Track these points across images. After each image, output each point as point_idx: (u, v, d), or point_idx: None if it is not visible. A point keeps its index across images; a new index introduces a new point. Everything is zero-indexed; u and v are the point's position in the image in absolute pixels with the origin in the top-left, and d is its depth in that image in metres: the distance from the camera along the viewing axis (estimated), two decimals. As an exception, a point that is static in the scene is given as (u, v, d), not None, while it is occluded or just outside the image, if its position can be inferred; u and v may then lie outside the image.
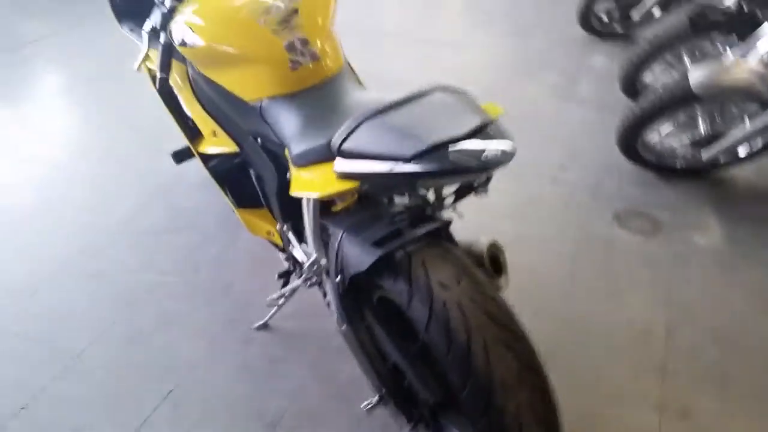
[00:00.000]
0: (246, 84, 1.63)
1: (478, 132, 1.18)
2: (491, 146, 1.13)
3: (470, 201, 1.52)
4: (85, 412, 1.85)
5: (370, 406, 1.64)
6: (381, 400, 1.63)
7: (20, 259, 2.40)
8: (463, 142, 1.16)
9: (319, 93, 1.58)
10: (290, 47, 1.59)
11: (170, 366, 1.98)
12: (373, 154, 1.23)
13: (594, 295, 2.27)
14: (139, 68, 1.95)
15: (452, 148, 1.15)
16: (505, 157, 1.15)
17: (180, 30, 1.70)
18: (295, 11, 1.64)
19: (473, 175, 1.22)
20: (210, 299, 2.22)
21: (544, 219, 2.66)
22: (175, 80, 1.98)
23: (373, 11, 4.93)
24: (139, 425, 1.82)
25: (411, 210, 1.47)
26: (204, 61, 1.71)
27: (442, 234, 1.44)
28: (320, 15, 1.68)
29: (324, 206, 1.58)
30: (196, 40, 1.65)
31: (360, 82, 1.83)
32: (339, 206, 1.63)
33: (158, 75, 1.83)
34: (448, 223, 1.45)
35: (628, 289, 2.30)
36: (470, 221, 1.78)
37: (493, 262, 1.59)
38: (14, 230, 2.56)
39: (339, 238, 1.48)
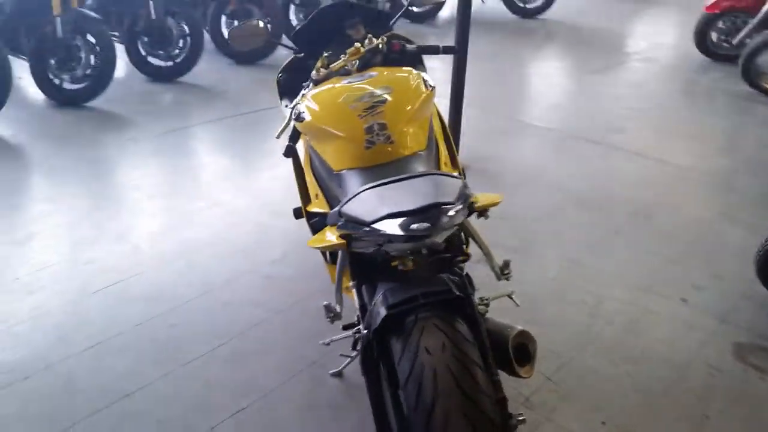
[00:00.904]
0: (334, 156, 1.93)
1: (425, 211, 1.33)
2: (413, 225, 1.28)
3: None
4: (173, 408, 2.21)
5: None
6: None
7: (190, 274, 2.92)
8: (398, 218, 1.33)
9: (384, 170, 1.82)
10: (369, 129, 1.86)
11: (248, 388, 2.29)
12: (355, 219, 1.44)
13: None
14: (278, 136, 2.35)
15: (386, 221, 1.33)
16: (431, 233, 1.29)
17: (300, 108, 2.07)
18: (383, 101, 1.92)
19: (404, 245, 1.38)
20: (302, 340, 2.50)
21: (661, 340, 2.59)
22: (300, 149, 2.35)
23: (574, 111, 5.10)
24: (209, 429, 2.12)
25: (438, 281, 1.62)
26: (311, 134, 2.05)
27: (460, 307, 1.57)
28: (406, 106, 1.94)
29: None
30: (306, 116, 2.01)
31: (444, 166, 2.05)
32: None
33: (287, 143, 2.22)
34: (463, 298, 1.58)
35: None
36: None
37: (519, 350, 1.68)
38: (190, 254, 3.10)
39: (379, 295, 1.68)
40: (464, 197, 1.41)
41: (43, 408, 2.20)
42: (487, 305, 1.88)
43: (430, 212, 1.34)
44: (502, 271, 1.66)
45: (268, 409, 2.21)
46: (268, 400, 2.25)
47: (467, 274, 1.78)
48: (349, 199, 1.51)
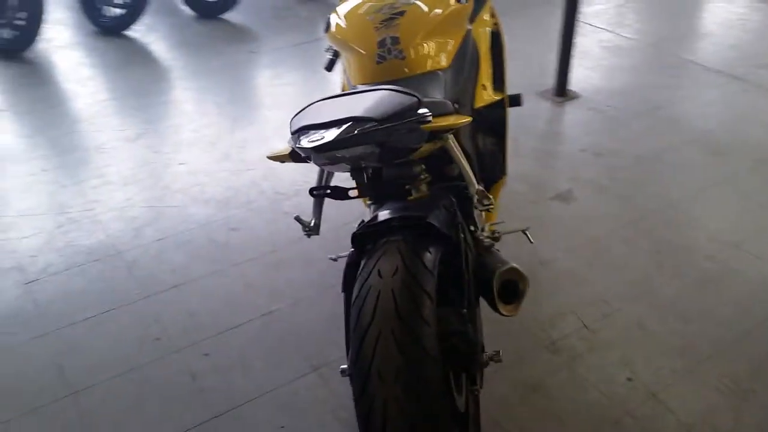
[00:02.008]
0: (351, 70, 1.88)
1: (338, 125, 1.24)
2: (314, 137, 1.20)
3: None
4: (209, 302, 2.37)
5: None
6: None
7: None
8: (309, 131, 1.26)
9: (401, 84, 1.74)
10: (381, 43, 1.78)
11: (282, 294, 2.38)
12: (293, 131, 1.39)
13: None
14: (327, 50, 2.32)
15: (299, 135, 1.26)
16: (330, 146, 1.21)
17: (329, 19, 2.03)
18: (401, 13, 1.82)
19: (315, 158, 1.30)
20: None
21: (729, 302, 2.32)
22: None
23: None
24: (235, 325, 2.26)
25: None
26: (337, 47, 2.00)
27: (441, 236, 1.50)
28: (426, 19, 1.83)
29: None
30: (332, 28, 1.97)
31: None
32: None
33: (328, 57, 2.20)
34: (434, 225, 1.50)
35: None
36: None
37: (506, 286, 1.59)
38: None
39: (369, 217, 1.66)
40: (403, 115, 1.31)
41: (103, 288, 2.46)
42: (496, 239, 1.79)
43: (342, 126, 1.27)
44: (481, 202, 1.55)
45: (294, 315, 2.29)
46: (297, 307, 2.33)
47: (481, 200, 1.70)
48: (302, 110, 1.47)
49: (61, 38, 4.96)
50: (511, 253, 2.47)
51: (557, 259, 2.51)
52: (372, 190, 1.43)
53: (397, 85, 1.70)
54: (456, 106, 1.83)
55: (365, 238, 1.52)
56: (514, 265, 1.63)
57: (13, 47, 4.60)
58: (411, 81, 1.76)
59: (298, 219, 1.63)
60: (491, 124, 2.09)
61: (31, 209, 2.94)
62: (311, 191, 1.40)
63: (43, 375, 2.11)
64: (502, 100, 2.12)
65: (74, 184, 3.11)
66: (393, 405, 1.28)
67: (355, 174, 1.41)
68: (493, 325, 2.18)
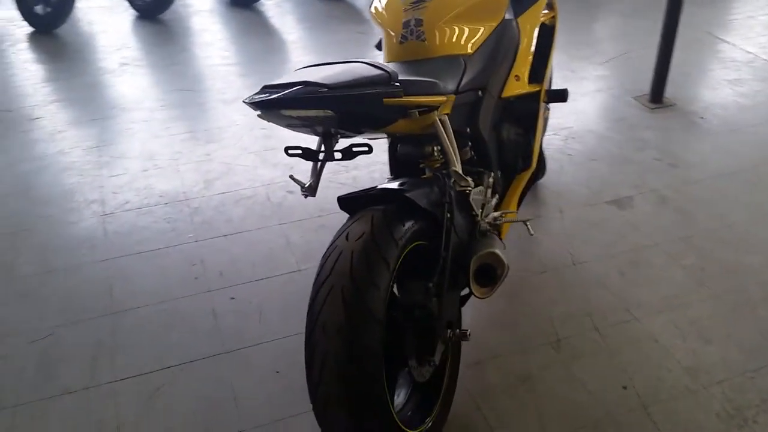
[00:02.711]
0: (384, 48, 1.98)
1: (295, 86, 1.32)
2: (262, 95, 1.28)
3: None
4: (250, 254, 2.56)
5: None
6: None
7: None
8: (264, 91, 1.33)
9: (410, 67, 1.82)
10: (406, 24, 1.86)
11: (315, 257, 2.53)
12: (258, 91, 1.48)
13: None
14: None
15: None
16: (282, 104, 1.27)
17: (372, 2, 2.12)
18: (432, -4, 1.89)
19: (269, 117, 1.36)
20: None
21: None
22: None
23: None
24: (263, 277, 2.44)
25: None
26: (375, 25, 2.10)
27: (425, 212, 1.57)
28: (451, 6, 1.88)
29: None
30: (371, 9, 2.07)
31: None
32: None
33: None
34: (411, 200, 1.57)
35: None
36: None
37: (484, 270, 1.65)
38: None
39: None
40: (364, 87, 1.37)
41: (164, 228, 2.73)
42: (495, 226, 1.83)
43: (292, 88, 1.35)
44: (458, 183, 1.59)
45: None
46: (325, 270, 2.47)
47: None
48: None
49: (198, 5, 5.41)
50: (546, 249, 2.50)
51: (591, 261, 2.47)
52: (343, 155, 1.52)
53: (414, 66, 1.79)
54: (480, 93, 1.88)
55: (350, 203, 1.62)
56: (495, 250, 1.67)
57: (152, 10, 5.11)
58: (427, 63, 1.82)
59: (292, 178, 1.75)
60: (520, 114, 2.10)
61: (126, 153, 3.29)
62: (286, 149, 1.52)
63: (94, 293, 2.39)
64: (536, 93, 2.13)
65: (167, 136, 3.43)
66: (330, 357, 1.38)
67: (325, 139, 1.50)
68: (501, 315, 2.22)
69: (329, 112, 1.31)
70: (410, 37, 1.86)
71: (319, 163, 1.73)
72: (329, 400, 1.40)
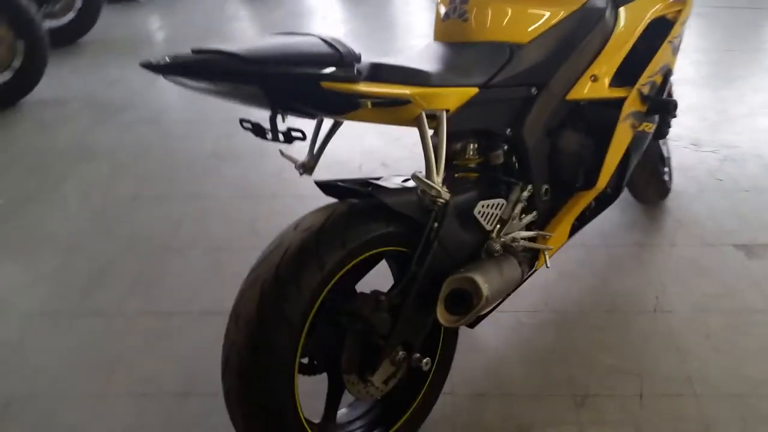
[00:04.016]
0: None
1: (208, 54, 1.16)
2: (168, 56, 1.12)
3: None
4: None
5: None
6: None
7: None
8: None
9: (440, 50, 1.58)
10: (452, 3, 1.62)
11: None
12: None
13: None
14: None
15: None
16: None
17: None
18: (490, -30, 1.61)
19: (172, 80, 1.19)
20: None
21: None
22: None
23: None
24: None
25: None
26: None
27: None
28: None
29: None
30: None
31: None
32: None
33: None
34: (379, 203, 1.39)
35: None
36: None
37: (458, 297, 1.44)
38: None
39: None
40: (298, 65, 1.18)
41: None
42: (507, 248, 1.58)
43: (201, 56, 1.18)
44: (425, 193, 1.34)
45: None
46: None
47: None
48: None
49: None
50: (629, 286, 2.10)
51: (677, 312, 2.04)
52: (284, 138, 1.35)
53: (445, 50, 1.55)
54: (533, 90, 1.61)
55: (327, 188, 1.48)
56: (475, 275, 1.43)
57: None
58: (461, 48, 1.58)
59: (282, 153, 1.62)
60: (590, 122, 1.76)
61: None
62: (240, 121, 1.39)
63: (161, 228, 2.51)
64: (619, 100, 1.76)
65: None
66: (235, 349, 1.29)
67: (271, 116, 1.34)
68: (535, 348, 1.92)
69: (256, 89, 1.16)
70: (452, 15, 1.62)
71: (313, 140, 1.59)
72: (229, 393, 1.32)
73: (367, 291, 1.47)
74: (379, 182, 1.47)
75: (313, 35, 1.24)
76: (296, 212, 1.41)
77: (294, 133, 1.28)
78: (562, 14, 1.62)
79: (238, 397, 1.31)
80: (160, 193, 2.73)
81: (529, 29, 1.59)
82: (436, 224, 1.45)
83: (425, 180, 1.31)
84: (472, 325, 1.70)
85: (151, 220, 2.56)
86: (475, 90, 1.46)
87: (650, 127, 1.94)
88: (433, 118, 1.38)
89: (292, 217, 1.39)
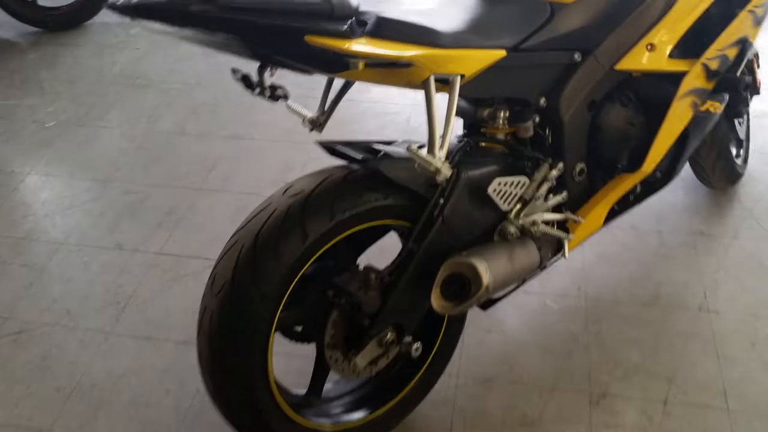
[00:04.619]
0: None
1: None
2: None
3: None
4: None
5: None
6: None
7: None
8: None
9: (476, 2, 1.40)
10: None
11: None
12: None
13: None
14: None
15: None
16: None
17: None
18: None
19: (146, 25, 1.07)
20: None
21: None
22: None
23: None
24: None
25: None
26: None
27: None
28: None
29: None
30: None
31: None
32: None
33: None
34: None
35: None
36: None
37: (453, 282, 1.32)
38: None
39: None
40: (284, 17, 1.03)
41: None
42: (524, 231, 1.43)
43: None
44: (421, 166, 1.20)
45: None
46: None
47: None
48: None
49: None
50: (675, 279, 1.91)
51: (725, 313, 1.84)
52: (272, 95, 1.23)
53: (481, 3, 1.38)
54: (577, 56, 1.42)
55: (332, 150, 1.37)
56: (476, 262, 1.30)
57: None
58: (498, 2, 1.39)
59: (290, 107, 1.49)
60: (641, 97, 1.56)
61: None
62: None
63: (196, 168, 2.48)
64: (678, 74, 1.54)
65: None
66: (207, 313, 1.23)
67: (259, 68, 1.22)
68: (560, 336, 1.79)
69: (232, 38, 1.05)
70: None
71: (325, 92, 1.47)
72: (201, 356, 1.27)
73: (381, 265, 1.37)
74: (387, 148, 1.34)
75: None
76: (329, 163, 1.31)
77: (277, 91, 1.16)
78: None
79: (207, 363, 1.26)
80: (202, 130, 2.68)
81: None
82: (441, 200, 1.32)
83: (420, 154, 1.17)
84: (484, 307, 1.58)
85: (188, 157, 2.52)
86: (502, 53, 1.29)
87: (717, 107, 1.70)
88: (446, 83, 1.23)
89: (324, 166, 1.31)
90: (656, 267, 2.00)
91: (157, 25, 1.04)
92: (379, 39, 1.13)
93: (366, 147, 1.36)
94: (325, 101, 1.47)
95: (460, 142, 1.45)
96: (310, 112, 1.49)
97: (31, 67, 3.21)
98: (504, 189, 1.40)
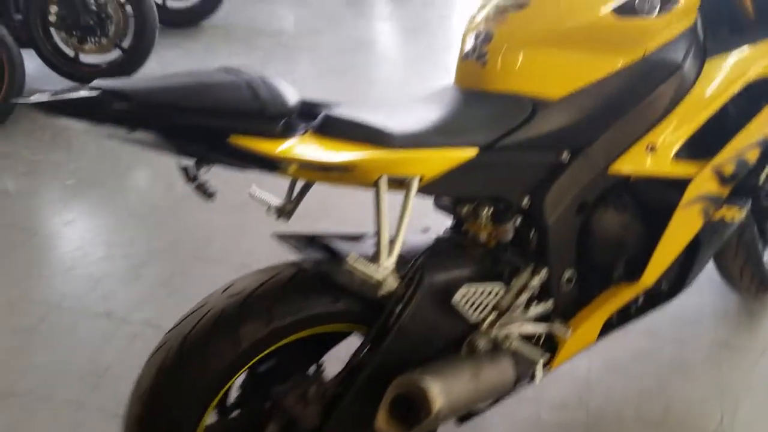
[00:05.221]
0: None
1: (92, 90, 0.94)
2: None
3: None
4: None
5: None
6: None
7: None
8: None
9: (453, 96, 1.31)
10: (475, 36, 1.34)
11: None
12: None
13: None
14: None
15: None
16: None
17: None
18: (523, 5, 1.30)
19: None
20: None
21: None
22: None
23: None
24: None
25: None
26: None
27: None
28: (549, 21, 1.28)
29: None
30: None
31: None
32: None
33: None
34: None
35: None
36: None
37: (402, 403, 1.19)
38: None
39: None
40: (194, 114, 0.94)
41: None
42: (497, 344, 1.30)
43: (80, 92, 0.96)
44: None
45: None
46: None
47: None
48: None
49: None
50: (692, 397, 1.70)
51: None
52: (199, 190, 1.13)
53: (458, 98, 1.29)
54: (564, 155, 1.31)
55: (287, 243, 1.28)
56: (428, 383, 1.16)
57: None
58: (475, 97, 1.30)
59: (252, 195, 1.40)
60: (640, 202, 1.41)
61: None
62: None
63: (197, 238, 2.43)
64: (683, 182, 1.39)
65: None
66: (132, 416, 1.14)
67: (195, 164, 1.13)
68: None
69: (153, 135, 0.98)
70: (471, 55, 1.34)
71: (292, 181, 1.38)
72: None
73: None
74: (343, 245, 1.24)
75: (246, 75, 1.03)
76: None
77: (208, 190, 1.08)
78: (613, 67, 1.29)
79: None
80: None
81: (564, 83, 1.28)
82: (399, 308, 1.20)
83: (357, 266, 1.06)
84: (460, 420, 1.43)
85: (192, 224, 2.48)
86: (472, 152, 1.19)
87: (736, 214, 1.53)
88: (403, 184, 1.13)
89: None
90: (671, 381, 1.80)
91: (74, 122, 0.97)
92: (323, 137, 1.04)
93: (324, 243, 1.26)
94: (293, 186, 1.38)
95: (435, 240, 1.35)
96: (277, 199, 1.40)
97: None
98: (474, 297, 1.27)
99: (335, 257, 1.21)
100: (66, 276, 2.26)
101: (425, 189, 1.20)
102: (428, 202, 1.39)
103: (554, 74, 1.28)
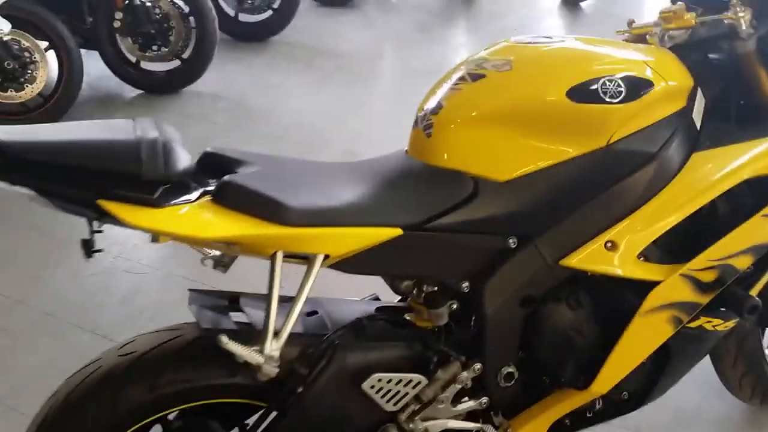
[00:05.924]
0: None
1: None
2: None
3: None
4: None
5: None
6: None
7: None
8: None
9: (391, 166, 1.23)
10: (430, 103, 1.25)
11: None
12: None
13: None
14: None
15: None
16: None
17: None
18: (479, 77, 1.20)
19: None
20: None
21: None
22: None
23: None
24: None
25: None
26: None
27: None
28: (501, 96, 1.19)
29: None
30: None
31: None
32: None
33: None
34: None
35: None
36: None
37: None
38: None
39: None
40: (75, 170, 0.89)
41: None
42: None
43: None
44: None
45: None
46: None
47: None
48: None
49: None
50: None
51: None
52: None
53: (396, 169, 1.21)
54: (512, 241, 1.20)
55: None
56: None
57: None
58: (415, 170, 1.22)
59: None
60: (594, 302, 1.27)
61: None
62: None
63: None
64: (648, 285, 1.25)
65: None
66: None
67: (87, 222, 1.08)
68: None
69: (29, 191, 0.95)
70: (419, 124, 1.25)
71: None
72: None
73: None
74: (255, 312, 1.18)
75: (141, 132, 0.99)
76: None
77: (93, 248, 1.04)
78: (568, 153, 1.17)
79: None
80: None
81: (513, 165, 1.17)
82: (300, 389, 1.13)
83: (232, 347, 1.00)
84: None
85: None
86: (395, 232, 1.11)
87: (720, 325, 1.35)
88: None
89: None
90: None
91: None
92: (216, 206, 1.00)
93: (241, 308, 1.20)
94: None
95: (366, 314, 1.27)
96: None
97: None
98: (388, 386, 1.18)
99: (246, 325, 1.15)
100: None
101: (340, 265, 1.13)
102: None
103: (502, 155, 1.18)
